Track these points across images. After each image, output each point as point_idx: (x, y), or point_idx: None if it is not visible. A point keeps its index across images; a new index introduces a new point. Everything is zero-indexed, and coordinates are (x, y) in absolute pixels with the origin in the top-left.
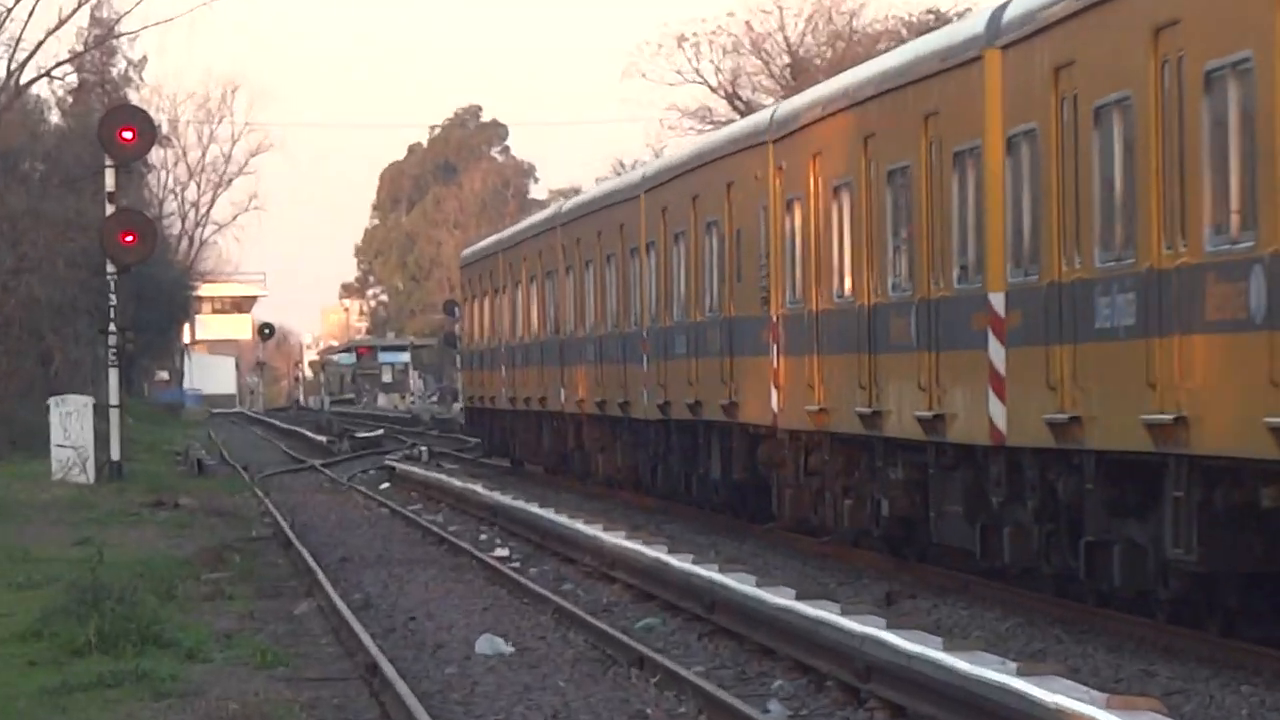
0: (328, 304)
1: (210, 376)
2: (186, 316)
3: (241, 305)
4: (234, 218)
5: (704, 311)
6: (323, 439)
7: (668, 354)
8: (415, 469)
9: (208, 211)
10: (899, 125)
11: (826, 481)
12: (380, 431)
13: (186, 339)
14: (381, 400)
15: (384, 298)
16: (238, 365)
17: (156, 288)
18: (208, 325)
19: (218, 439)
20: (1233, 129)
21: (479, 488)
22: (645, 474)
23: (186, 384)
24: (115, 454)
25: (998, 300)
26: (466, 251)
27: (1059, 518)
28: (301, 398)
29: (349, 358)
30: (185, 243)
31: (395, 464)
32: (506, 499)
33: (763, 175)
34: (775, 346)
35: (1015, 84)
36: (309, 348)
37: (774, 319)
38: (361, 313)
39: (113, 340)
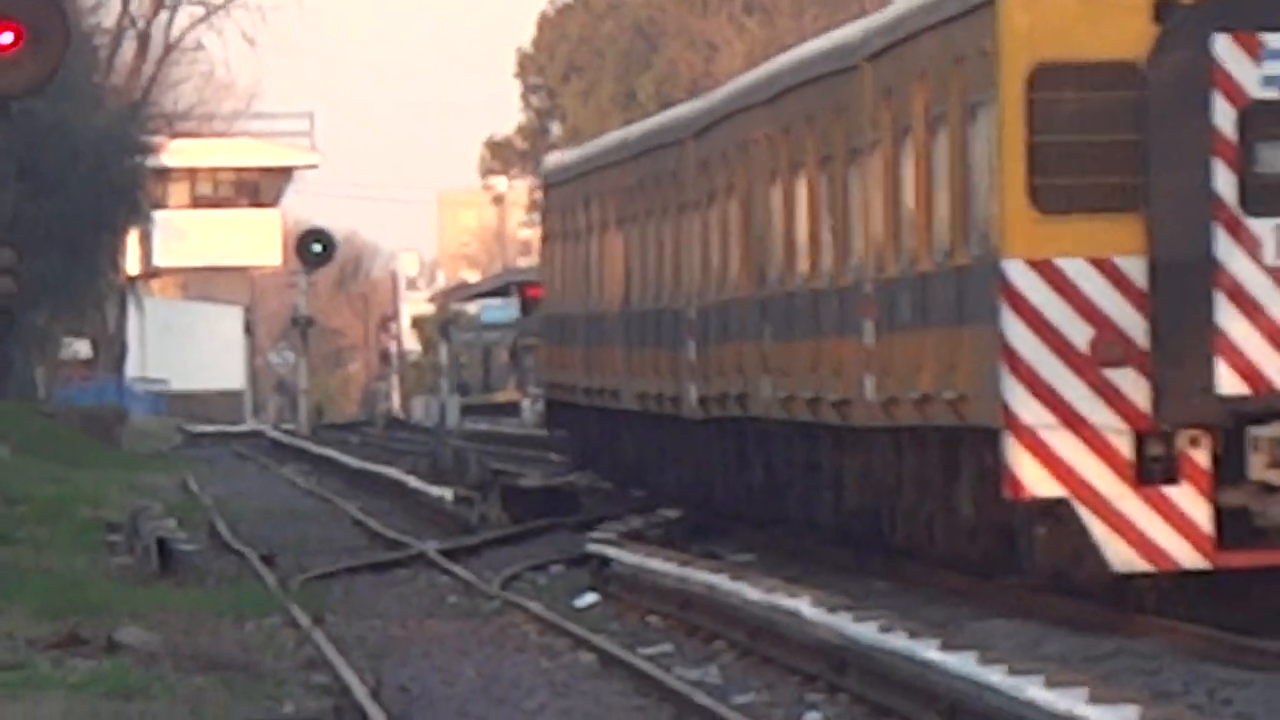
0: (454, 192)
1: (187, 352)
2: (134, 215)
3: (260, 188)
4: None
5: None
6: (444, 494)
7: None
8: (654, 561)
9: None
10: None
11: None
12: (574, 475)
13: (133, 267)
14: None
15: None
16: (249, 327)
17: (68, 154)
18: (181, 235)
19: (204, 494)
20: None
21: (804, 606)
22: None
23: (133, 369)
24: None
25: None
26: (552, 159)
27: None
28: (396, 400)
29: (504, 308)
30: (134, 55)
31: (608, 547)
32: (871, 633)
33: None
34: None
35: None
36: (413, 288)
37: None
38: (534, 207)
39: None
